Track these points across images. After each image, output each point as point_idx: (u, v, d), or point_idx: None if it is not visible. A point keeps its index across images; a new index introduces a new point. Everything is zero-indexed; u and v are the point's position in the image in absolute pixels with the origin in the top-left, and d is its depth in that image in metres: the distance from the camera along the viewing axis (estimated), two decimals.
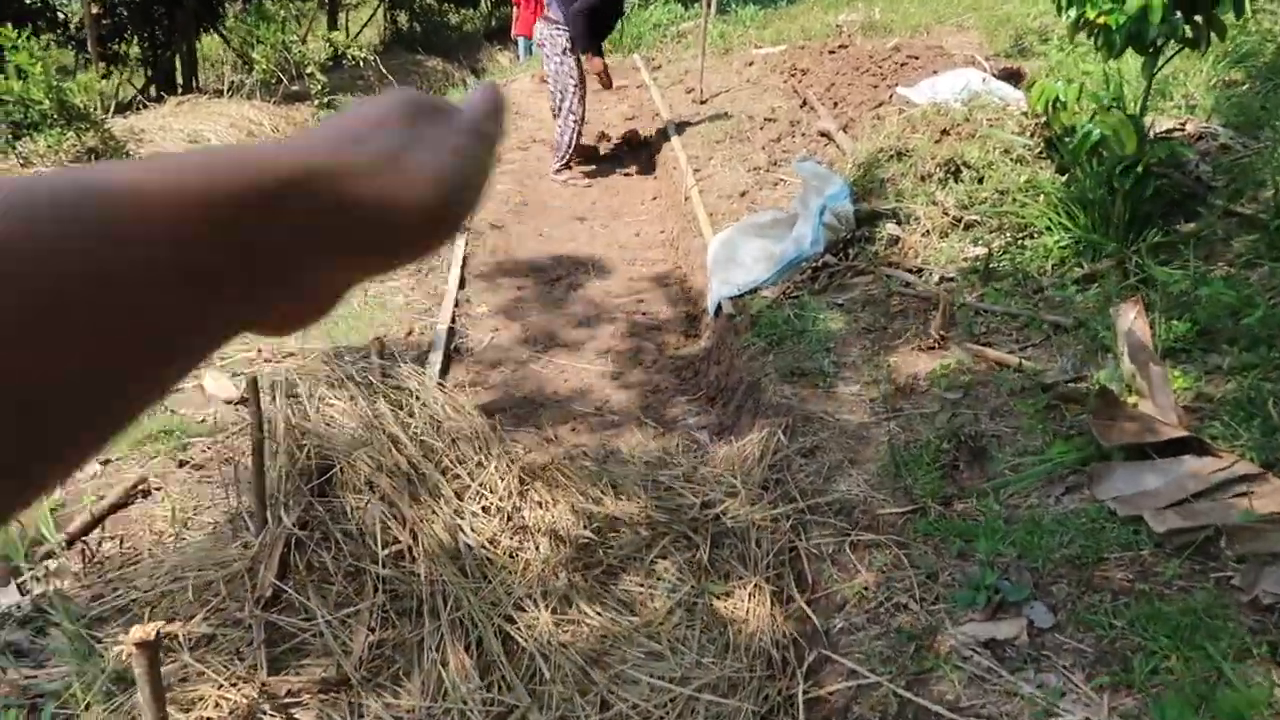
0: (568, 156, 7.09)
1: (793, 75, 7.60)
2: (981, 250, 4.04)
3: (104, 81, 8.91)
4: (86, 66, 9.37)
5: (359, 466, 2.63)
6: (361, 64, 11.18)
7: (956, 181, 4.48)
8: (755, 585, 2.53)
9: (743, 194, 5.53)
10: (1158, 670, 1.97)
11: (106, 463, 3.47)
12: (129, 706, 2.25)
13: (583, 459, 3.19)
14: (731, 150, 6.36)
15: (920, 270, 4.03)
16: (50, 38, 8.51)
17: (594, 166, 7.35)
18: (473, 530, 2.55)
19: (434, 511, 2.58)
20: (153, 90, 11.42)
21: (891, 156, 4.80)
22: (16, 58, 7.29)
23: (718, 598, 2.53)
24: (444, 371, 4.11)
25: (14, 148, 7.38)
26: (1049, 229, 3.96)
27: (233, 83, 11.14)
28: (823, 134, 6.15)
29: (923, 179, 4.55)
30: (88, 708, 2.32)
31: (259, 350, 4.32)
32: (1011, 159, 4.51)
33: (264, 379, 3.97)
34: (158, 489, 3.24)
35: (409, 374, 3.02)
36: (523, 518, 2.67)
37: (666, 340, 4.50)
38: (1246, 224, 3.61)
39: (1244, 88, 4.71)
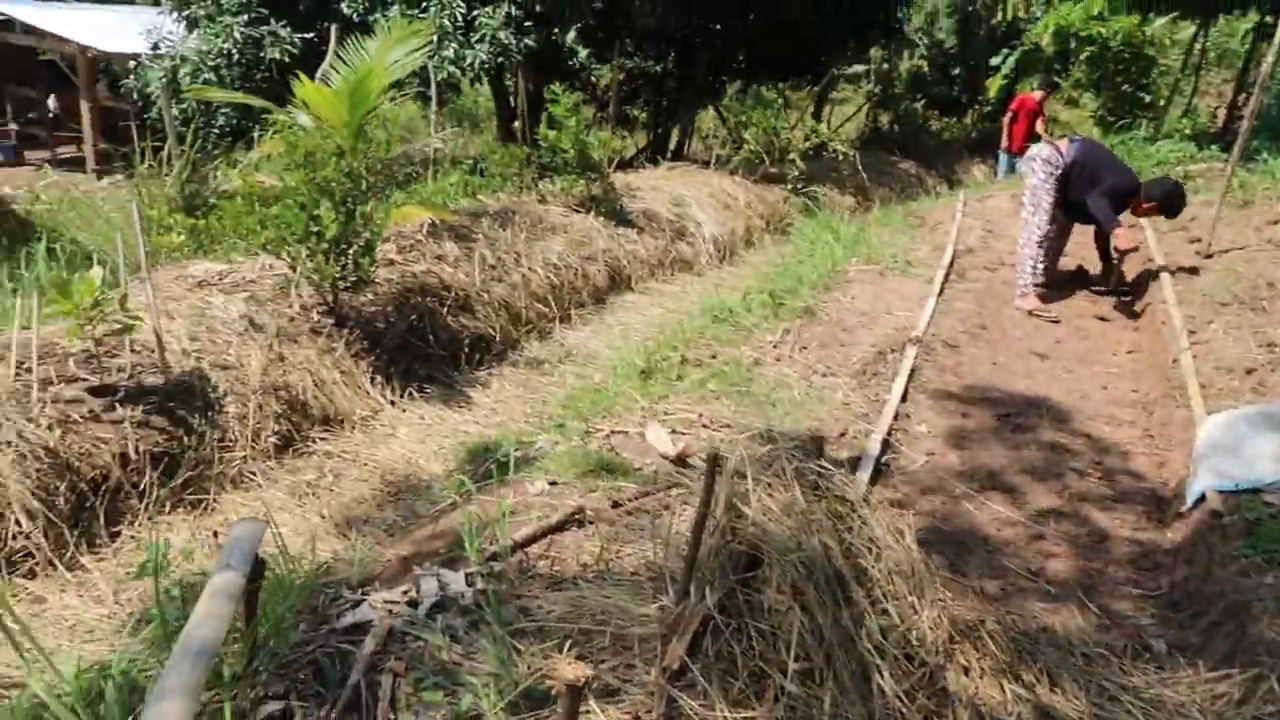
0: (1029, 282, 6.67)
1: None
2: None
3: (616, 141, 10.06)
4: (603, 125, 10.67)
5: (787, 568, 2.57)
6: (840, 157, 11.55)
7: None
8: None
9: (1249, 372, 4.77)
10: None
11: (554, 484, 3.79)
12: None
13: (1014, 629, 2.86)
14: (1240, 318, 5.54)
15: None
16: (581, 97, 9.79)
17: (1064, 302, 6.83)
18: (890, 677, 2.37)
19: (853, 640, 2.44)
20: (649, 152, 12.71)
21: None
22: (556, 110, 8.48)
23: None
24: (870, 484, 3.97)
25: (536, 186, 8.57)
26: None
27: (719, 155, 12.07)
28: None
29: None
30: (496, 713, 2.48)
31: (700, 414, 4.50)
32: None
33: (703, 443, 4.13)
34: (591, 522, 3.46)
35: (849, 484, 2.92)
36: (945, 679, 2.43)
37: (1123, 518, 3.95)
38: None
39: None
